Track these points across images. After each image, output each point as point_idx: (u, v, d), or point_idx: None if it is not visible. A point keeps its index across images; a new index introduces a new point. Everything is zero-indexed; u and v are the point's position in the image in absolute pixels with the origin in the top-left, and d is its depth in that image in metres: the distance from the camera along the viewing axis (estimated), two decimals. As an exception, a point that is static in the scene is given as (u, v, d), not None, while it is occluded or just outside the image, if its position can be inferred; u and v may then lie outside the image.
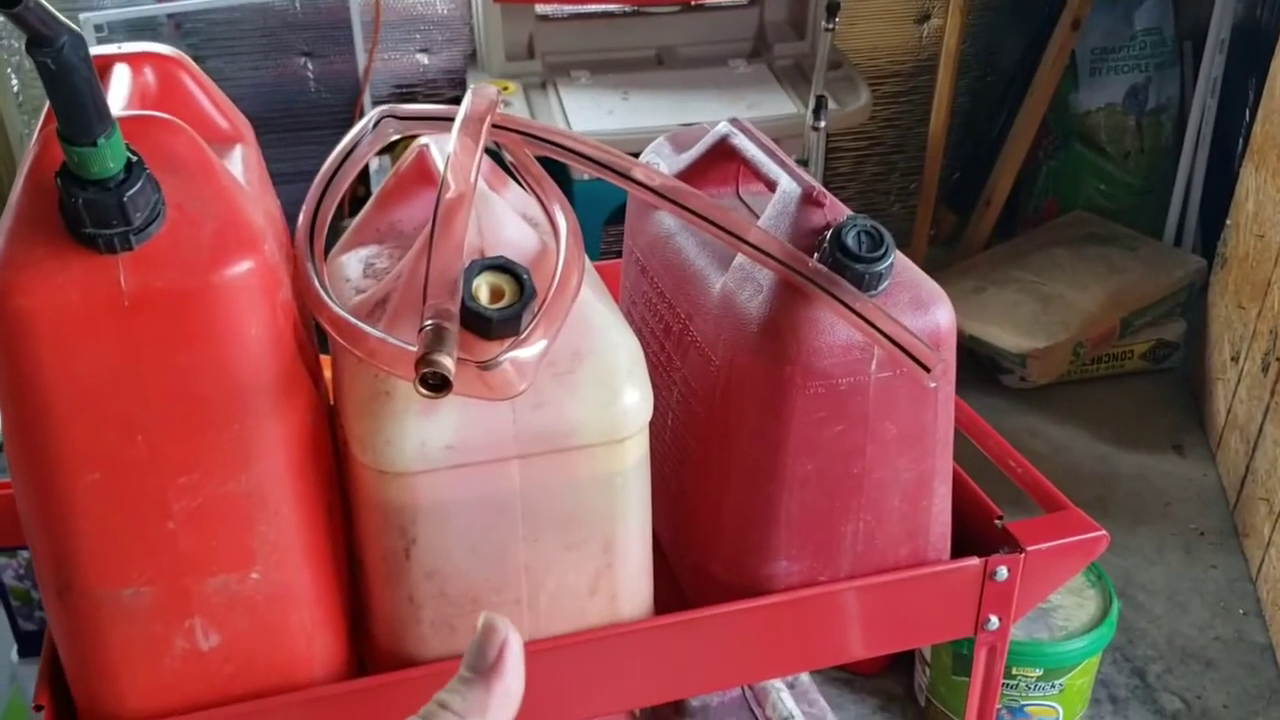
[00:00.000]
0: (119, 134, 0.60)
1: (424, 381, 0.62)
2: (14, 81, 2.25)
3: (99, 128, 0.58)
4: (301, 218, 0.79)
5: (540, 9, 2.35)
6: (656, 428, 0.79)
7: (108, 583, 0.68)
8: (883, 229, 0.74)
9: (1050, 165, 2.61)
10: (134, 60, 0.77)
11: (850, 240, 0.73)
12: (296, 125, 2.39)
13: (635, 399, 0.73)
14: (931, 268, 2.79)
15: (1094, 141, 2.54)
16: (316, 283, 0.73)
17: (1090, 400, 2.20)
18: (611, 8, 2.41)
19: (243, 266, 0.65)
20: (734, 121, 0.91)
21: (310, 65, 2.38)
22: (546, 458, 0.72)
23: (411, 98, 2.43)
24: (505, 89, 2.26)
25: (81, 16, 2.13)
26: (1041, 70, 2.50)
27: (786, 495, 0.77)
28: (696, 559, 0.83)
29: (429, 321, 0.64)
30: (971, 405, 0.89)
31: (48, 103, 0.77)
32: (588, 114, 2.19)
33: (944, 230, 2.65)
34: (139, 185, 0.61)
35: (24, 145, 2.29)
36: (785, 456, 0.76)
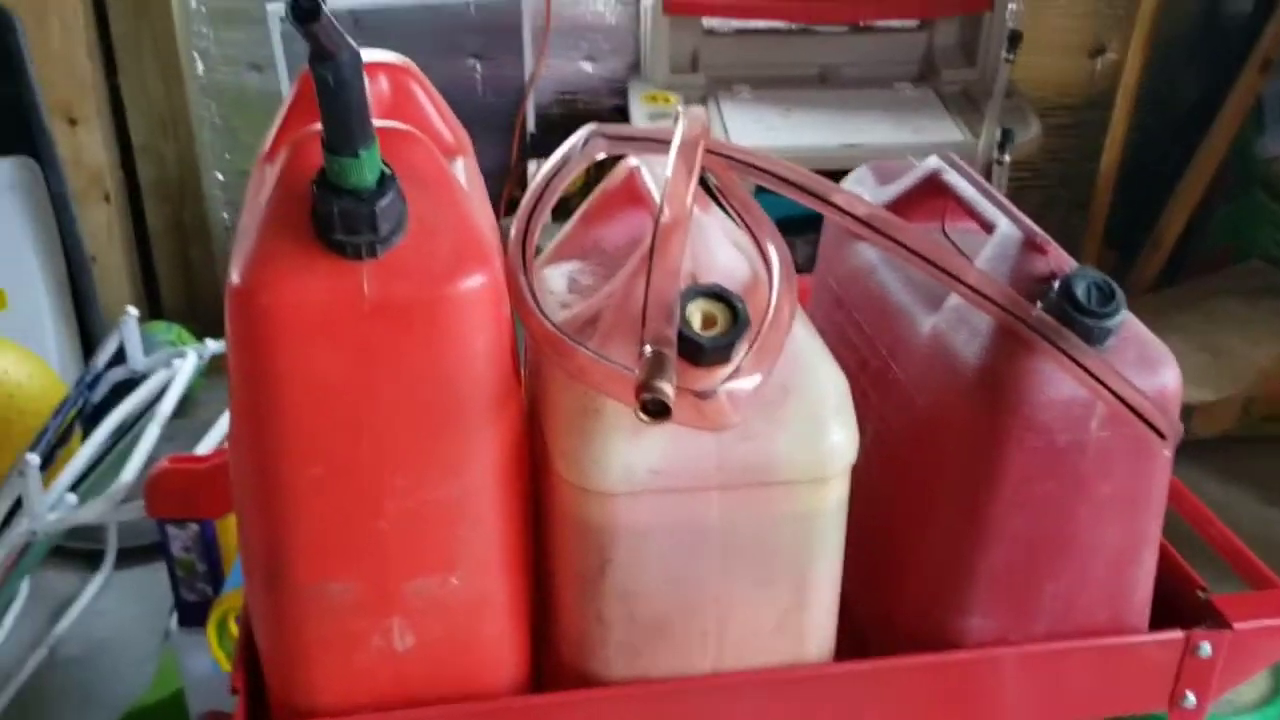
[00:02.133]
0: (377, 147, 0.61)
1: (644, 407, 0.62)
2: (199, 65, 2.33)
3: (362, 141, 0.60)
4: (514, 231, 0.80)
5: (707, 23, 2.35)
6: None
7: (316, 576, 0.69)
8: (1114, 283, 0.72)
9: (1226, 211, 2.51)
10: (370, 68, 0.78)
11: (1080, 292, 0.71)
12: (463, 125, 2.43)
13: (842, 438, 0.72)
14: None
15: (1276, 190, 2.45)
16: (530, 297, 0.74)
17: (1258, 460, 2.10)
18: (778, 24, 2.39)
19: (476, 280, 0.65)
20: (945, 157, 0.89)
21: (479, 67, 2.42)
22: (748, 491, 0.71)
23: (573, 104, 2.45)
24: (666, 100, 2.26)
25: (269, 6, 2.20)
26: (1224, 112, 2.41)
27: (988, 550, 0.75)
28: (883, 606, 0.82)
29: (650, 347, 0.64)
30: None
31: (284, 107, 0.80)
32: (748, 129, 2.18)
33: (1105, 269, 2.59)
34: (389, 197, 0.62)
35: (206, 129, 2.37)
36: (992, 510, 0.74)
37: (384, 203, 0.62)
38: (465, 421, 0.67)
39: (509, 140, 2.45)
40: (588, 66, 2.47)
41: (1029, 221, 0.78)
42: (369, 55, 0.80)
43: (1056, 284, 0.72)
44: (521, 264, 0.77)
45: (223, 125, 2.37)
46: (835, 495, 0.73)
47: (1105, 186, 2.50)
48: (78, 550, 1.85)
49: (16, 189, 2.01)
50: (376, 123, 0.67)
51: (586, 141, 0.85)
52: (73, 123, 2.15)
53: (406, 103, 0.80)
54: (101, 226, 2.23)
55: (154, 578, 1.79)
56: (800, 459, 0.71)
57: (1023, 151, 2.21)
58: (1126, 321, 0.73)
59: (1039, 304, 0.73)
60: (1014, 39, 1.82)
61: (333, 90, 0.57)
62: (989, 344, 0.74)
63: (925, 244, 0.77)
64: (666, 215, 0.73)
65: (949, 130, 2.19)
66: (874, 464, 0.83)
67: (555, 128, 2.43)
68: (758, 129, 2.19)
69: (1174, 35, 2.49)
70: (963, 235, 0.89)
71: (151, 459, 1.44)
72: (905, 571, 0.80)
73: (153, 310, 2.40)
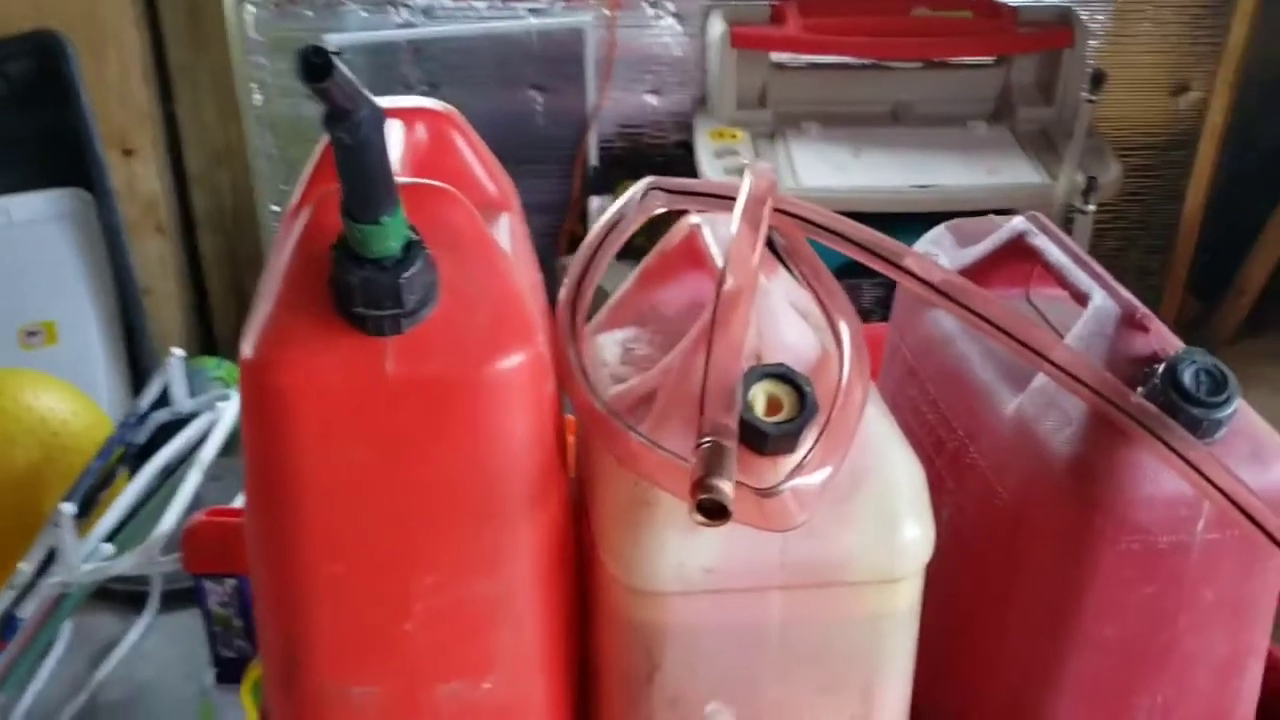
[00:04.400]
0: (402, 213, 0.55)
1: (700, 507, 0.56)
2: (257, 96, 2.32)
3: (385, 206, 0.54)
4: (563, 295, 0.74)
5: (776, 57, 2.29)
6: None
7: (336, 679, 0.64)
8: (1226, 369, 0.64)
9: (1315, 258, 2.41)
10: (407, 116, 0.73)
11: (1188, 378, 0.63)
12: (521, 158, 2.38)
13: (916, 534, 0.65)
14: None
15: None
16: (579, 371, 0.68)
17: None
18: (849, 60, 2.33)
19: (516, 359, 0.59)
20: (1032, 217, 0.82)
21: (540, 98, 2.37)
22: (812, 591, 0.64)
23: (638, 138, 2.40)
24: (733, 137, 2.20)
25: (329, 37, 2.18)
26: (1312, 155, 2.30)
27: (1077, 659, 0.68)
28: (958, 715, 0.74)
29: (708, 439, 0.58)
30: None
31: (315, 155, 0.75)
32: (817, 168, 2.11)
33: (1184, 315, 2.47)
34: (416, 267, 0.56)
35: (262, 159, 2.35)
36: (1082, 616, 0.67)
37: (410, 273, 0.56)
38: (502, 514, 0.61)
39: (570, 174, 2.40)
40: (652, 100, 2.42)
41: (1127, 294, 0.71)
42: (406, 102, 0.75)
43: (1160, 368, 0.65)
44: (571, 332, 0.71)
45: (279, 156, 2.35)
46: (908, 596, 0.66)
47: (1190, 230, 2.39)
48: (121, 592, 1.81)
49: (68, 220, 2.00)
50: (407, 180, 0.62)
51: (644, 195, 0.79)
52: (127, 153, 2.13)
53: (446, 153, 0.74)
54: (154, 259, 2.22)
55: (199, 621, 1.76)
56: (871, 558, 0.64)
57: (1104, 194, 2.12)
58: (1238, 411, 0.66)
59: (1139, 389, 0.65)
60: (1098, 79, 1.74)
61: (351, 152, 0.51)
62: (1081, 432, 0.66)
63: (1007, 316, 0.70)
64: (730, 284, 0.66)
65: (1025, 172, 2.10)
66: (949, 555, 0.76)
67: (618, 163, 2.38)
68: (826, 168, 2.12)
69: (1260, 74, 2.39)
70: (1051, 304, 0.82)
71: (195, 504, 1.40)
72: (983, 678, 0.73)
73: (205, 344, 2.37)
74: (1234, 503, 0.61)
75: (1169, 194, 2.48)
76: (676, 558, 0.63)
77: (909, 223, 2.05)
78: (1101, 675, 0.68)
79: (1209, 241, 2.44)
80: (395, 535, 0.60)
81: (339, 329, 0.58)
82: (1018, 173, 2.09)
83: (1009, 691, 0.71)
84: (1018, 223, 0.81)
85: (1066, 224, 1.87)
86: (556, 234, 2.42)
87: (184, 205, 2.31)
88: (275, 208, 2.39)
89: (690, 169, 2.14)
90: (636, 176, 2.52)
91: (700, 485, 0.56)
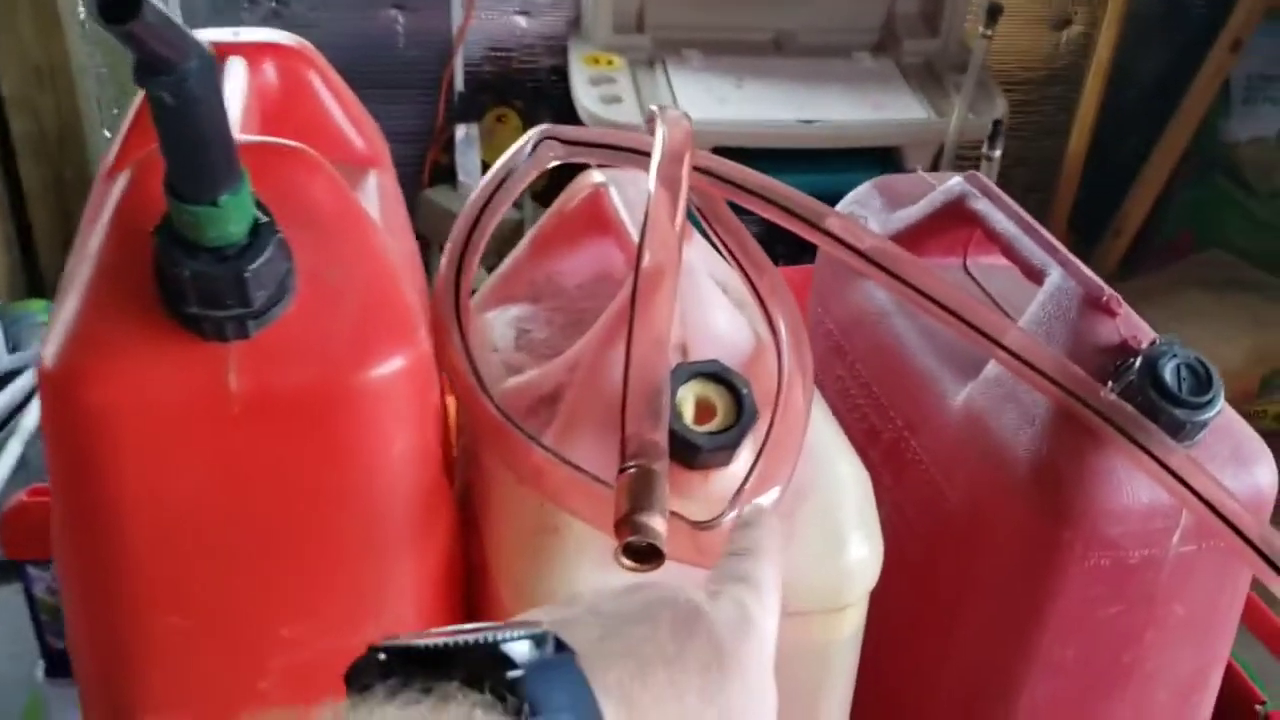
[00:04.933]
0: (247, 188, 0.43)
1: (629, 551, 0.46)
2: (81, 8, 2.09)
3: (224, 182, 0.42)
4: (443, 269, 0.63)
5: (652, -22, 2.16)
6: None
7: (176, 746, 0.52)
8: (1208, 363, 0.57)
9: (1186, 196, 2.41)
10: (251, 53, 0.60)
11: (1169, 375, 0.56)
12: (382, 82, 2.21)
13: (864, 554, 0.56)
14: None
15: (1239, 176, 2.34)
16: (469, 369, 0.57)
17: (1220, 464, 2.02)
18: (729, -17, 2.21)
19: (393, 364, 0.48)
20: (971, 178, 0.73)
21: (401, 17, 2.20)
22: (748, 624, 0.55)
23: (506, 62, 2.25)
24: (609, 63, 2.08)
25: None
26: (1192, 92, 2.28)
27: (1032, 681, 0.61)
28: (898, 738, 0.67)
29: (633, 463, 0.48)
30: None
31: (137, 102, 0.61)
32: (699, 100, 2.00)
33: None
34: (266, 255, 0.44)
35: (89, 78, 2.12)
36: (1040, 636, 0.59)
37: (258, 263, 0.44)
38: (380, 550, 0.50)
39: (434, 100, 2.24)
40: (522, 21, 2.26)
41: (1089, 272, 0.63)
42: (251, 35, 0.62)
43: (1137, 362, 0.57)
44: (455, 319, 0.60)
45: (109, 75, 2.13)
46: (852, 622, 0.58)
47: (1073, 168, 2.36)
48: (-61, 564, 1.63)
49: None
50: (251, 140, 0.49)
51: (536, 146, 0.68)
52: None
53: (301, 100, 0.61)
54: (-33, 188, 2.00)
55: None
56: (815, 584, 0.55)
57: (984, 130, 2.07)
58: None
59: (1111, 384, 0.57)
60: (994, 12, 1.67)
61: (175, 115, 0.39)
62: (1045, 431, 0.58)
63: (952, 293, 0.61)
64: (649, 260, 0.56)
65: (911, 107, 2.03)
66: (887, 563, 0.68)
67: (485, 88, 2.23)
68: (709, 101, 2.02)
69: (1139, 10, 2.36)
70: (991, 275, 0.74)
71: (19, 476, 1.25)
72: (926, 700, 0.65)
73: (30, 286, 2.16)
74: (1222, 516, 0.54)
75: (1049, 130, 2.45)
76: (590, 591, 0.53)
77: (792, 159, 1.98)
78: (1059, 699, 0.61)
79: (1087, 179, 2.43)
80: (247, 581, 0.49)
81: (168, 333, 0.45)
82: (904, 108, 2.02)
83: (958, 713, 0.64)
84: (955, 184, 0.72)
85: (958, 168, 1.81)
86: (419, 164, 2.26)
87: (1, 131, 2.08)
88: (107, 133, 2.17)
89: (565, 97, 2.02)
90: (505, 103, 2.34)
91: (627, 523, 0.46)
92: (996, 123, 1.44)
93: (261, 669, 0.51)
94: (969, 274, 0.75)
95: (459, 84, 2.21)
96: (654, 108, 0.68)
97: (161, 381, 0.45)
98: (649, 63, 2.10)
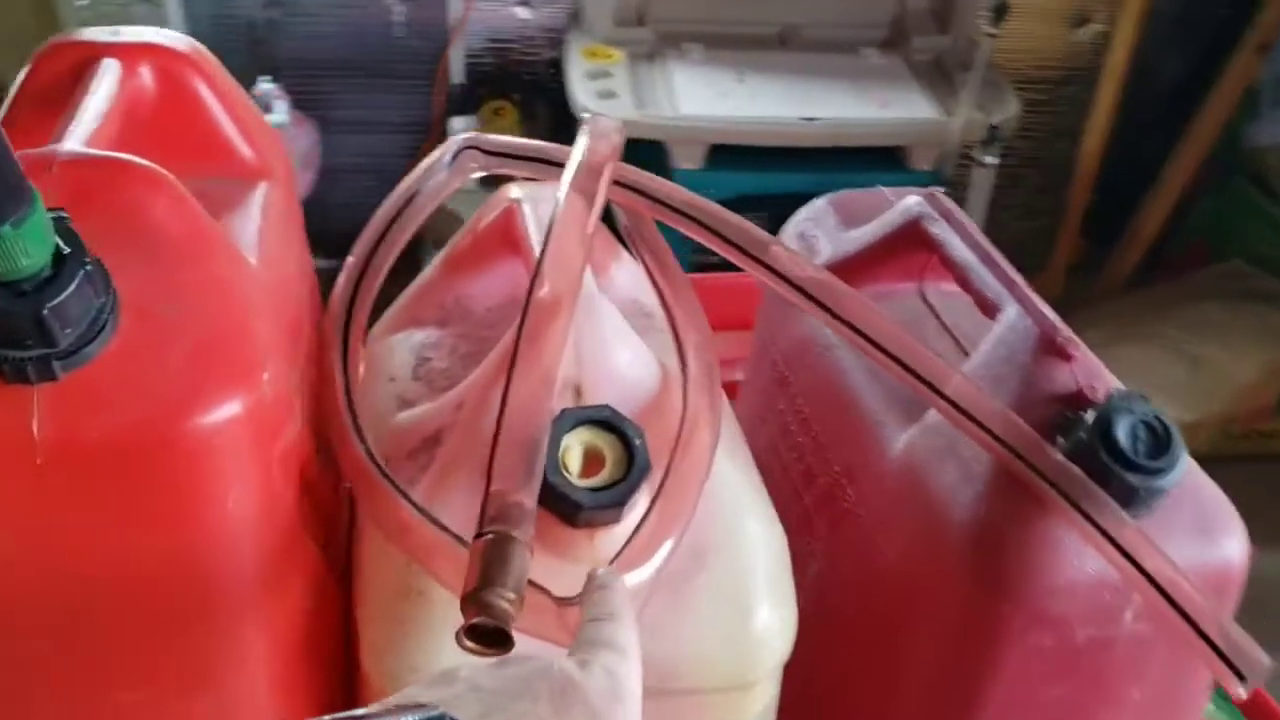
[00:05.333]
0: (41, 215, 0.38)
1: (470, 632, 0.40)
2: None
3: (9, 205, 0.36)
4: (338, 291, 0.57)
5: (656, -32, 2.10)
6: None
7: (-3, 822, 0.47)
8: (1169, 422, 0.50)
9: (1205, 203, 2.32)
10: (129, 54, 0.55)
11: (1123, 435, 0.50)
12: (379, 71, 2.16)
13: (775, 623, 0.51)
14: (1063, 306, 2.47)
15: (1263, 182, 2.25)
16: (345, 401, 0.51)
17: (1232, 484, 1.94)
18: (735, -25, 2.15)
19: (227, 410, 0.43)
20: (930, 198, 0.67)
21: (399, 6, 2.15)
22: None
23: (506, 54, 2.19)
24: (608, 57, 2.01)
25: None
26: (1215, 95, 2.20)
27: (968, 764, 0.55)
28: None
29: (489, 529, 0.42)
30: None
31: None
32: (699, 95, 1.94)
33: (1079, 261, 2.38)
34: (72, 288, 0.39)
35: None
36: (980, 714, 0.53)
37: (61, 298, 0.39)
38: (214, 616, 0.45)
39: (431, 91, 2.19)
40: (522, 13, 2.21)
41: (1045, 309, 0.57)
42: (132, 35, 0.56)
43: (1089, 416, 0.51)
44: (341, 347, 0.55)
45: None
46: (761, 700, 0.52)
47: (1087, 170, 2.28)
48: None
49: None
50: (81, 151, 0.44)
51: (456, 156, 0.63)
52: None
53: (180, 107, 0.56)
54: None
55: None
56: (718, 660, 0.49)
57: (1001, 131, 2.00)
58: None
59: (1060, 440, 0.51)
60: (1000, 10, 1.60)
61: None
62: (986, 492, 0.52)
63: (891, 333, 0.55)
64: (546, 290, 0.50)
65: (920, 106, 1.96)
66: (814, 621, 0.62)
67: (484, 80, 2.17)
68: (708, 95, 1.95)
69: (1159, 8, 2.28)
70: (950, 302, 0.67)
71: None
72: (855, 775, 0.59)
73: None
74: (1173, 601, 0.48)
75: (1063, 131, 2.37)
76: (455, 664, 0.47)
77: (794, 158, 1.91)
78: (997, 784, 0.55)
79: (1102, 183, 2.35)
80: (68, 646, 0.44)
81: (-37, 372, 0.40)
82: (911, 107, 1.95)
83: (885, 795, 0.58)
84: (912, 203, 0.66)
85: (962, 169, 1.74)
86: (414, 156, 2.21)
87: None
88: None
89: (562, 90, 1.96)
90: (503, 96, 2.26)
91: (473, 600, 0.40)
92: (993, 127, 1.38)
93: (87, 741, 0.45)
94: (926, 302, 0.68)
95: (457, 75, 2.15)
96: (585, 114, 0.62)
97: (-49, 429, 0.40)
98: (649, 56, 2.04)
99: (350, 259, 0.59)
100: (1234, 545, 0.52)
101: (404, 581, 0.47)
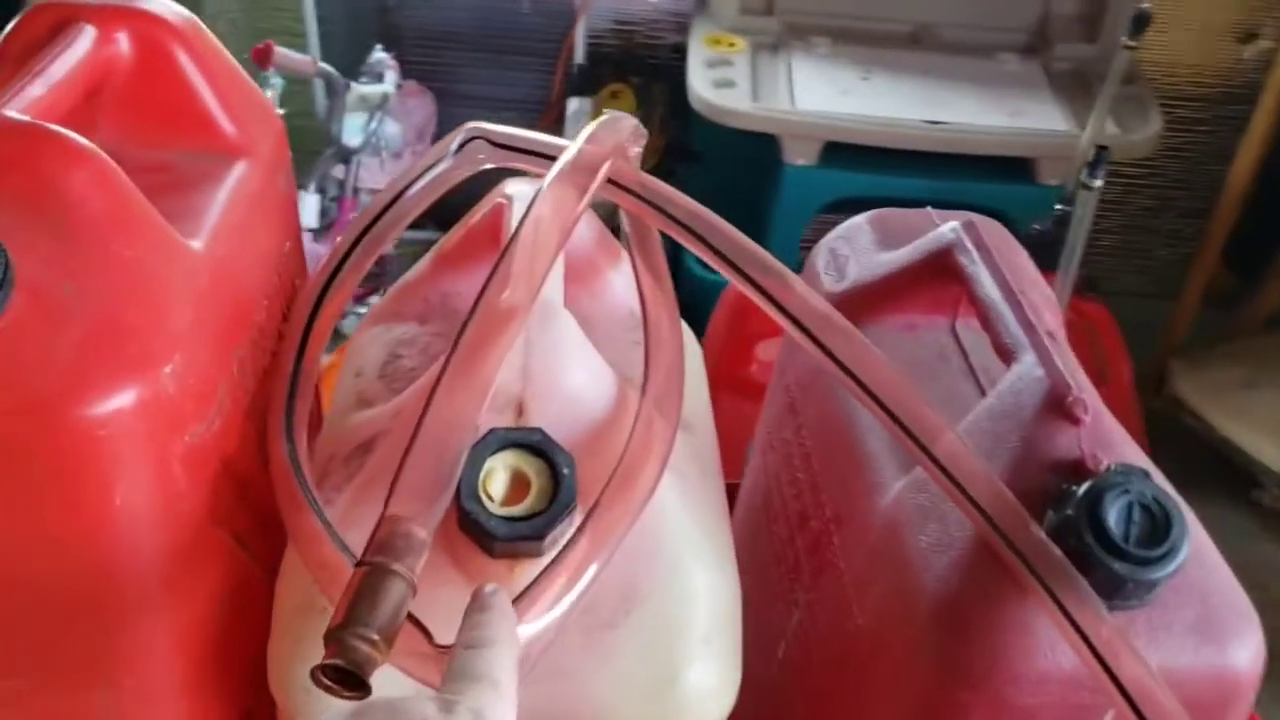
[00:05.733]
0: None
1: (325, 670, 0.37)
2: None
3: None
4: (314, 277, 0.55)
5: (790, -42, 2.04)
6: (763, 657, 0.53)
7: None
8: (1171, 506, 0.44)
9: (1368, 242, 2.16)
10: (106, 19, 0.53)
11: (1113, 518, 0.44)
12: (501, 48, 2.16)
13: (706, 684, 0.46)
14: (1199, 338, 2.30)
15: None
16: (283, 401, 0.49)
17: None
18: (872, -32, 2.07)
19: (115, 401, 0.40)
20: (967, 227, 0.61)
21: (527, -15, 2.14)
22: (553, 750, 0.46)
23: (630, 36, 2.16)
24: (731, 45, 1.96)
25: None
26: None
27: None
28: None
29: (370, 559, 0.39)
30: (1215, 523, 0.55)
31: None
32: (819, 90, 1.87)
33: (1221, 293, 2.23)
34: (-54, 263, 0.37)
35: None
36: (933, 811, 0.48)
37: (-67, 275, 0.37)
38: (105, 611, 0.43)
39: (552, 70, 2.17)
40: (651, -5, 2.18)
41: (1062, 362, 0.50)
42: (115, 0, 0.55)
43: (1080, 489, 0.45)
44: (301, 333, 0.52)
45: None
46: (694, 765, 0.48)
47: (1235, 193, 2.13)
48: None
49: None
50: (5, 118, 0.42)
51: (462, 145, 0.60)
52: None
53: (158, 77, 0.54)
54: None
55: None
56: (634, 717, 0.45)
57: (1137, 151, 1.88)
58: (1193, 555, 0.46)
59: (1050, 514, 0.46)
60: (1140, 22, 1.49)
61: None
62: (961, 563, 0.47)
63: (885, 379, 0.50)
64: (504, 297, 0.47)
65: (1052, 117, 1.86)
66: (790, 672, 0.57)
67: (606, 62, 2.14)
68: (830, 92, 1.89)
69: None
70: (980, 340, 0.61)
71: None
72: None
73: None
74: (1140, 716, 0.42)
75: (1216, 153, 2.23)
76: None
77: (914, 162, 1.83)
78: None
79: (1253, 211, 2.20)
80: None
81: None
82: (1044, 117, 1.85)
83: None
84: (948, 232, 0.60)
85: (1080, 187, 1.63)
86: (532, 137, 2.20)
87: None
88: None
89: (682, 77, 1.92)
90: (622, 79, 2.21)
91: (334, 637, 0.37)
92: (1101, 149, 1.28)
93: (-26, 726, 0.44)
94: (955, 338, 0.63)
95: (579, 56, 2.13)
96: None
97: None
98: (773, 47, 1.98)
99: (330, 254, 0.56)
100: (1244, 650, 0.46)
101: (309, 597, 0.45)
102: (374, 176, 1.80)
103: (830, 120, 1.79)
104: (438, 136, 2.11)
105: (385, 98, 1.68)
